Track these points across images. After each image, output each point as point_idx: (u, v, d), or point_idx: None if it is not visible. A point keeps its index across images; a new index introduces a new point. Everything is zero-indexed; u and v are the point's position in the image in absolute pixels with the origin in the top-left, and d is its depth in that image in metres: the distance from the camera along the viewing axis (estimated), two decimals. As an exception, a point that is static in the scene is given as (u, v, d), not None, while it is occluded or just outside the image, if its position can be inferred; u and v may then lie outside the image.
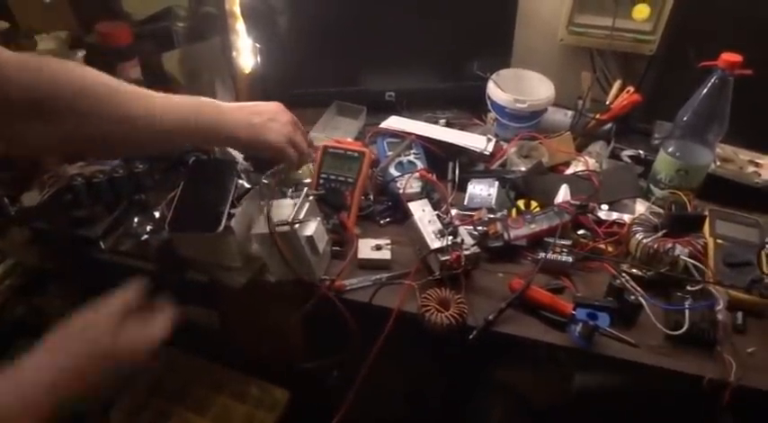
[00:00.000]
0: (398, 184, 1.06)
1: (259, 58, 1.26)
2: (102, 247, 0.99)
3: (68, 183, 1.00)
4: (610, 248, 0.99)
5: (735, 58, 0.93)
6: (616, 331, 0.86)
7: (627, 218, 1.03)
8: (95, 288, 1.30)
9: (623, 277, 0.92)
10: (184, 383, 1.25)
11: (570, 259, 0.96)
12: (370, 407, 1.00)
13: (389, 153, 1.13)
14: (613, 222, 1.03)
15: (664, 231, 0.95)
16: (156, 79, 1.25)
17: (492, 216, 1.03)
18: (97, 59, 1.12)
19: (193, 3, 1.36)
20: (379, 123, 1.22)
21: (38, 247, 1.06)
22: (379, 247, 0.99)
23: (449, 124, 1.30)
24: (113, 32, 1.13)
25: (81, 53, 1.04)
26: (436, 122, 1.29)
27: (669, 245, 0.92)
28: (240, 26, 1.20)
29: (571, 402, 1.22)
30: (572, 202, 1.03)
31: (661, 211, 1.01)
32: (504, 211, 1.06)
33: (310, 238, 0.89)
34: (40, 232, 1.01)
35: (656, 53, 1.25)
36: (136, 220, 1.03)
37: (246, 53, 1.26)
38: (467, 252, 0.92)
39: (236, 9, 1.16)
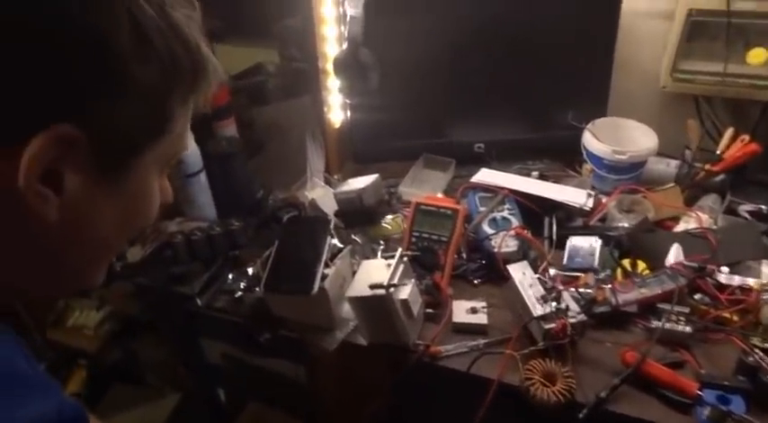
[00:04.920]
0: (493, 242, 1.02)
1: (348, 113, 1.28)
2: (199, 303, 1.00)
3: (169, 239, 1.03)
4: (735, 318, 0.89)
5: None
6: (753, 418, 0.76)
7: (752, 282, 0.92)
8: (187, 338, 1.33)
9: (756, 353, 0.82)
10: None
11: (689, 329, 0.87)
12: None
13: (481, 208, 1.09)
14: (737, 287, 0.92)
15: (801, 301, 0.84)
16: (249, 135, 1.29)
17: (598, 278, 0.96)
18: (195, 119, 1.17)
19: (284, 59, 1.41)
20: (468, 176, 1.19)
21: (138, 300, 1.09)
22: (474, 310, 0.94)
23: (542, 176, 1.25)
24: (214, 92, 1.18)
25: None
26: (528, 174, 1.24)
27: (810, 317, 0.81)
28: (331, 83, 1.22)
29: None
30: (686, 263, 0.94)
31: (794, 275, 0.90)
32: (608, 272, 0.99)
33: (405, 302, 0.86)
34: (141, 287, 1.04)
35: (773, 99, 1.15)
36: (230, 276, 1.04)
37: (336, 109, 1.28)
38: (572, 320, 0.85)
39: (329, 67, 1.18)
